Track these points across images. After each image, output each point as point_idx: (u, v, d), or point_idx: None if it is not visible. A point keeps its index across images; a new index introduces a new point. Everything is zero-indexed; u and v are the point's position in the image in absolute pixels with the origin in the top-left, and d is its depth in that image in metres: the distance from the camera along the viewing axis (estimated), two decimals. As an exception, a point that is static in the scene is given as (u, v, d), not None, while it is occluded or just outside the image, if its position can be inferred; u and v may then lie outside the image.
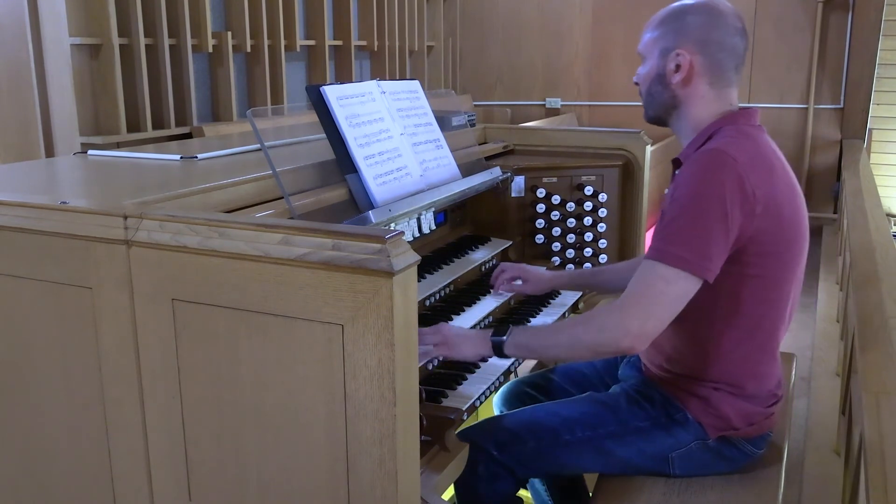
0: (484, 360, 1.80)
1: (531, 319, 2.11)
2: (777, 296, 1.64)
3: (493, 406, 2.10)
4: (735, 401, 1.68)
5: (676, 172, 1.69)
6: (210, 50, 4.55)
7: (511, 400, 2.06)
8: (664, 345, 1.72)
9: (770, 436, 1.77)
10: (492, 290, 2.14)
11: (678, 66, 1.65)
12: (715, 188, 1.51)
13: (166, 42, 4.26)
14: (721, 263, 1.53)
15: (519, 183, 2.50)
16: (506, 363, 1.81)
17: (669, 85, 1.68)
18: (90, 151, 2.18)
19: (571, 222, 2.52)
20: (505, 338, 1.66)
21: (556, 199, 2.50)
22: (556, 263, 2.54)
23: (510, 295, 2.16)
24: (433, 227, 2.10)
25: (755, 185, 1.52)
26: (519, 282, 2.13)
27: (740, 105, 1.71)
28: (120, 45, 4.03)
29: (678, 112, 1.71)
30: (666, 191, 1.75)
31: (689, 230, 1.51)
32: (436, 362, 1.78)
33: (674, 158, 1.73)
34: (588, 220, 2.53)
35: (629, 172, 2.61)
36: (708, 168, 1.54)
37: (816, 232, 6.01)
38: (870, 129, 6.23)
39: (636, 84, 1.77)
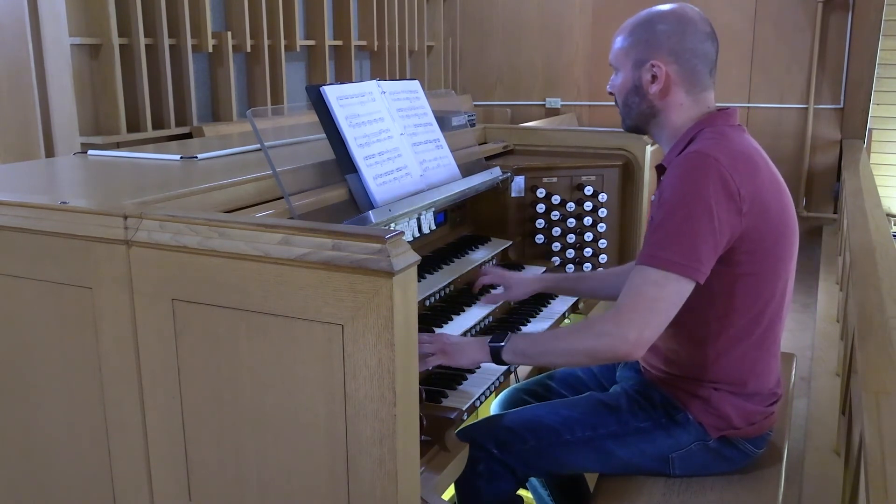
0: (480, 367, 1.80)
1: (530, 320, 2.11)
2: (771, 292, 1.65)
3: (491, 413, 2.09)
4: (736, 400, 1.68)
5: (661, 178, 1.70)
6: (210, 50, 4.55)
7: (509, 408, 2.06)
8: (661, 347, 1.72)
9: (770, 435, 1.77)
10: (477, 301, 2.08)
11: (654, 77, 1.66)
12: (700, 190, 1.51)
13: (166, 42, 4.26)
14: (712, 264, 1.53)
15: (519, 183, 2.50)
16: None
17: (647, 96, 1.69)
18: (90, 151, 2.18)
19: (571, 222, 2.52)
20: (503, 344, 1.66)
21: (556, 199, 2.50)
22: (556, 263, 2.54)
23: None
24: (433, 227, 2.10)
25: (740, 183, 1.53)
26: (500, 289, 2.11)
27: (719, 105, 1.71)
28: (120, 45, 4.03)
29: (657, 121, 1.72)
30: (652, 197, 1.75)
31: (676, 233, 1.51)
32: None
33: (657, 165, 1.74)
34: (588, 220, 2.53)
35: (629, 172, 2.61)
36: (691, 171, 1.54)
37: (816, 232, 6.01)
38: (870, 129, 6.23)
39: (611, 94, 1.77)
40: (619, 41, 1.72)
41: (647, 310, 1.51)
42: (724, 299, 1.62)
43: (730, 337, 1.65)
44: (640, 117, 1.73)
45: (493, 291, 2.12)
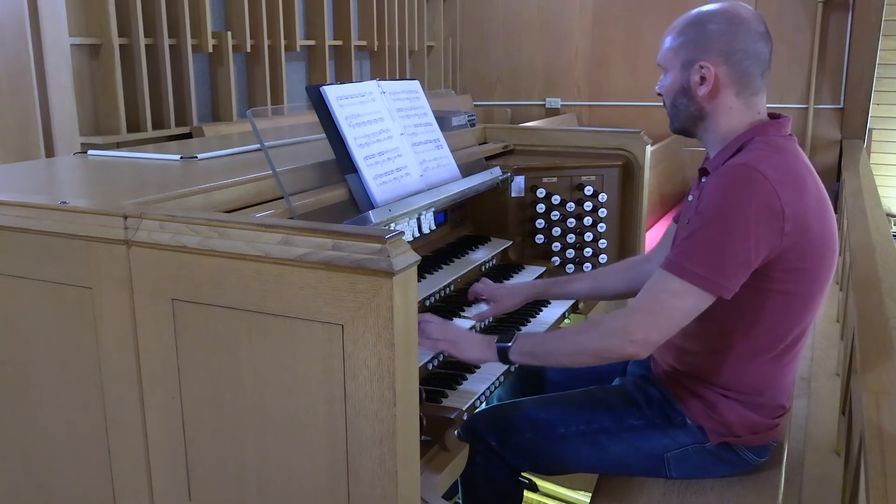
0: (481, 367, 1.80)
1: (531, 320, 2.11)
2: (804, 311, 1.61)
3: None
4: (742, 409, 1.66)
5: (703, 181, 1.66)
6: (210, 50, 4.55)
7: (509, 392, 2.07)
8: (679, 344, 1.70)
9: (773, 445, 1.75)
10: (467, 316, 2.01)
11: (703, 79, 1.60)
12: (741, 205, 1.47)
13: (166, 42, 4.25)
14: (741, 281, 1.50)
15: (519, 183, 2.50)
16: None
17: (695, 98, 1.63)
18: (90, 151, 2.18)
19: (571, 222, 2.52)
20: (510, 344, 1.66)
21: (556, 199, 2.50)
22: (556, 263, 2.54)
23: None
24: (433, 227, 2.10)
25: (785, 202, 1.48)
26: (489, 305, 2.03)
27: (770, 111, 1.66)
28: (120, 45, 4.02)
29: (705, 124, 1.66)
30: (689, 197, 1.73)
31: (707, 246, 1.48)
32: (436, 362, 1.78)
33: (700, 167, 1.70)
34: (588, 220, 2.53)
35: (629, 172, 2.61)
36: (736, 183, 1.50)
37: (816, 232, 6.00)
38: (870, 129, 6.22)
39: (659, 94, 1.72)
40: (668, 41, 1.67)
41: (660, 315, 1.50)
42: (754, 313, 1.59)
43: (752, 349, 1.62)
44: (688, 119, 1.67)
45: (481, 305, 2.05)
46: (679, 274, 1.49)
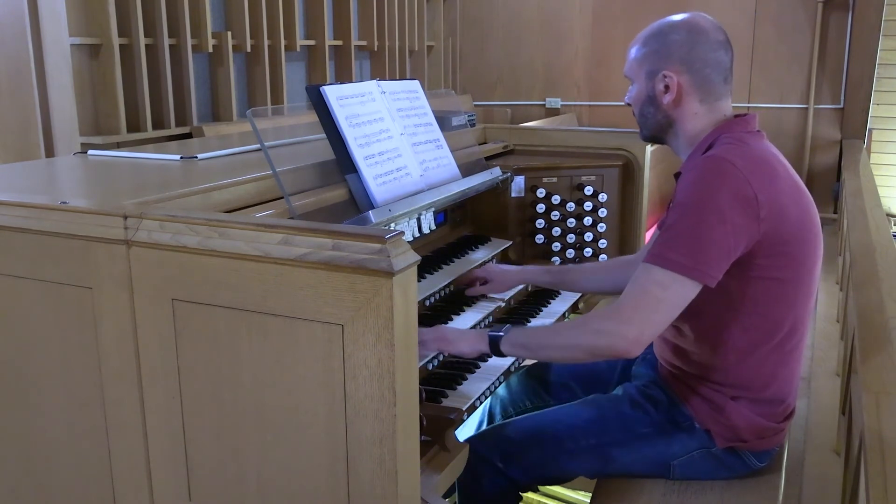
0: (482, 357, 1.80)
1: (530, 320, 2.11)
2: (793, 298, 1.63)
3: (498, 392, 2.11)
4: (750, 413, 1.66)
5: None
6: (210, 50, 4.55)
7: (513, 390, 2.07)
8: (680, 346, 1.71)
9: (776, 451, 1.75)
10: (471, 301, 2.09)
11: (667, 87, 1.67)
12: (713, 194, 1.50)
13: (166, 42, 4.25)
14: (723, 268, 1.52)
15: (519, 183, 2.50)
16: (506, 363, 1.82)
17: (661, 106, 1.69)
18: (90, 151, 2.18)
19: (571, 222, 2.52)
20: (501, 334, 1.66)
21: (556, 199, 2.50)
22: (556, 263, 2.54)
23: (504, 299, 2.13)
24: (433, 227, 2.10)
25: (757, 188, 1.52)
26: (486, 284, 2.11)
27: (739, 111, 1.71)
28: (120, 45, 4.02)
29: (673, 130, 1.72)
30: (671, 204, 1.75)
31: (686, 235, 1.51)
32: (436, 362, 1.78)
33: (675, 173, 1.73)
34: (588, 220, 2.53)
35: (629, 172, 2.61)
36: (706, 174, 1.54)
37: (816, 232, 5.99)
38: (870, 129, 6.22)
39: (628, 104, 1.78)
40: (633, 52, 1.73)
41: (649, 309, 1.51)
42: (744, 303, 1.61)
43: (750, 341, 1.63)
44: (656, 127, 1.74)
45: (477, 287, 2.12)
46: (663, 265, 1.51)
